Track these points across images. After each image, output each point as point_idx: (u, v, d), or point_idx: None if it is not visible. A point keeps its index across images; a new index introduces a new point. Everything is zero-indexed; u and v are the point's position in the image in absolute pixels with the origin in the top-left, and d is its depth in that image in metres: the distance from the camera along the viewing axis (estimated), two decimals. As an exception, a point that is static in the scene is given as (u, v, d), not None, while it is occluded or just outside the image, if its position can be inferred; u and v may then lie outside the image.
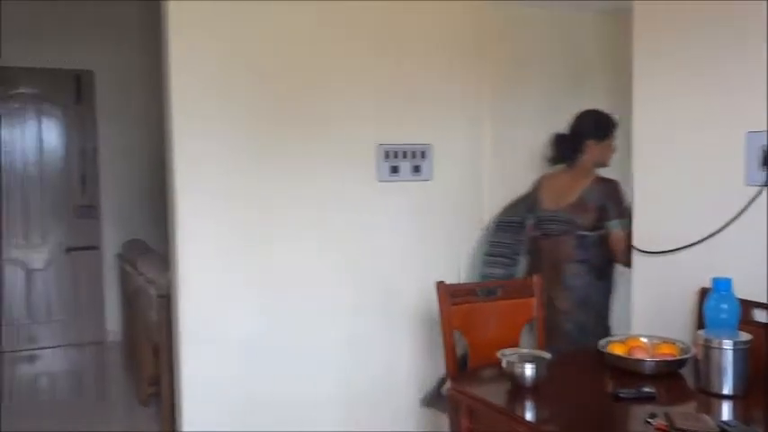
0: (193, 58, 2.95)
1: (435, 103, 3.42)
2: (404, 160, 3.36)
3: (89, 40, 5.78)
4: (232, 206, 3.06)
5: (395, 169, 3.34)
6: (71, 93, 5.92)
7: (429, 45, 3.38)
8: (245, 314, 3.10)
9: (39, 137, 5.86)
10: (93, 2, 5.72)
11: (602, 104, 3.58)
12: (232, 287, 3.07)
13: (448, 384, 2.46)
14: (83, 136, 5.98)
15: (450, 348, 2.68)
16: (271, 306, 3.16)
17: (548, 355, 2.28)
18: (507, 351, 2.32)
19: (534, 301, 2.83)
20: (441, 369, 2.78)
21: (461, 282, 3.35)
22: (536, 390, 2.16)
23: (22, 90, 5.78)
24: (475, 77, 3.48)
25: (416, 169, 3.38)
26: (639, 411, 1.93)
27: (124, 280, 5.30)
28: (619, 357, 2.29)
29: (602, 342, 2.40)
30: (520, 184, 3.52)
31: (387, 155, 3.32)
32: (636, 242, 2.81)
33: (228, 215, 3.05)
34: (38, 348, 5.84)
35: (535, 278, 2.86)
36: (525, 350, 2.41)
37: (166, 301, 3.44)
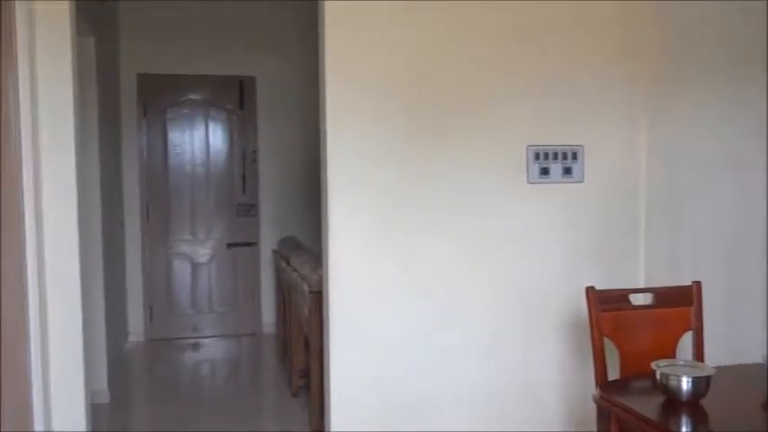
0: (348, 58, 3.04)
1: (587, 102, 3.32)
2: (554, 162, 3.28)
3: (252, 49, 6.11)
4: (382, 206, 3.12)
5: (545, 171, 3.28)
6: (235, 98, 6.30)
7: (581, 43, 3.28)
8: (391, 313, 3.15)
9: (205, 140, 6.28)
10: (256, 10, 6.04)
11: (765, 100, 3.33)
12: (379, 286, 3.13)
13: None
14: (244, 139, 6.34)
15: (599, 356, 2.59)
16: (416, 306, 3.19)
17: (709, 369, 2.15)
18: (662, 362, 2.21)
19: (693, 310, 2.68)
20: (588, 377, 2.69)
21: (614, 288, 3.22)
22: (693, 405, 2.04)
23: (191, 96, 6.22)
24: (629, 75, 3.34)
25: (567, 171, 3.29)
26: (811, 435, 1.78)
27: (279, 275, 5.56)
28: (788, 375, 2.12)
29: (766, 357, 2.23)
30: (680, 186, 3.34)
31: (537, 156, 3.26)
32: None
33: (378, 215, 3.12)
34: (200, 337, 6.24)
35: (695, 285, 2.70)
36: (682, 362, 2.29)
37: (318, 297, 3.56)
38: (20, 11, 2.79)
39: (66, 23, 3.00)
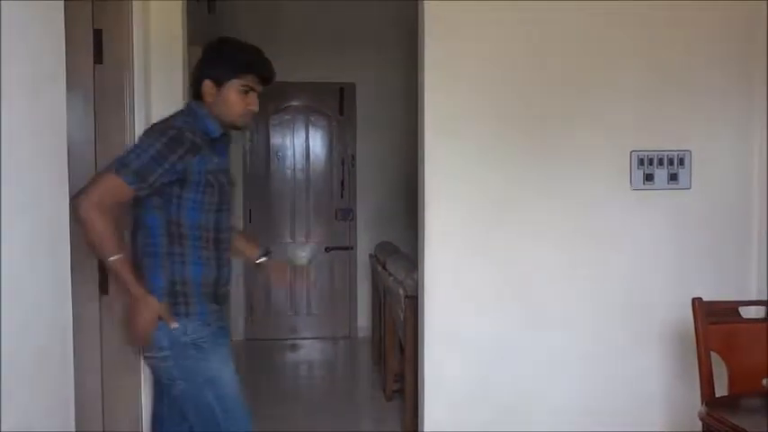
0: (447, 60, 3.05)
1: (695, 106, 3.19)
2: (659, 168, 3.17)
3: (352, 56, 6.21)
4: (479, 211, 3.11)
5: (649, 177, 3.17)
6: (335, 104, 6.42)
7: (689, 44, 3.16)
8: (487, 318, 3.12)
9: (306, 145, 6.42)
10: (356, 17, 6.14)
11: None
12: (476, 290, 3.11)
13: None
14: (343, 144, 6.45)
15: (705, 371, 2.48)
16: (513, 312, 3.15)
17: (826, 388, 2.02)
18: (775, 379, 2.09)
19: (810, 327, 2.52)
20: (694, 391, 2.58)
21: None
22: (809, 425, 1.92)
23: (292, 103, 6.38)
24: (742, 76, 3.18)
25: (673, 177, 3.17)
26: None
27: (375, 279, 5.61)
28: None
29: None
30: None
31: (641, 162, 3.16)
32: None
33: (475, 220, 3.10)
34: (298, 338, 6.38)
35: (812, 300, 2.55)
36: (797, 380, 2.16)
37: (413, 302, 3.57)
38: (136, 15, 2.90)
39: (179, 33, 3.13)
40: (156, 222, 2.25)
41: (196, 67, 2.39)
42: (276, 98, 6.32)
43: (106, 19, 2.66)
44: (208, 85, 2.31)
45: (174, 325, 2.22)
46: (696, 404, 2.45)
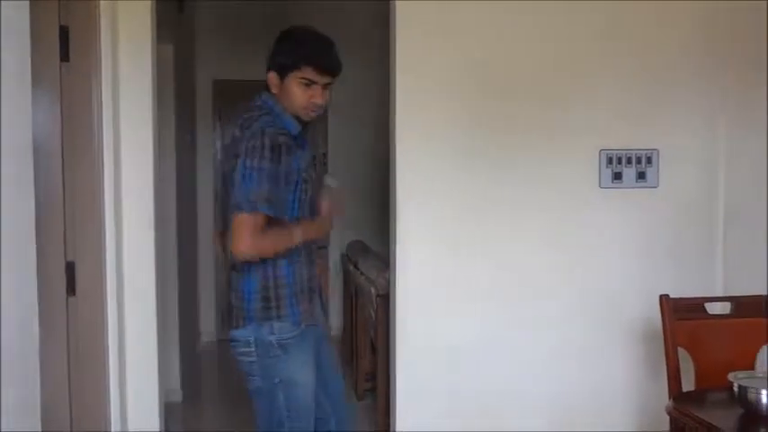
0: (419, 59, 3.06)
1: (663, 106, 3.23)
2: (628, 166, 3.21)
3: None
4: (450, 209, 3.12)
5: (618, 176, 3.21)
6: (305, 103, 6.38)
7: (658, 45, 3.21)
8: (458, 316, 3.14)
9: (276, 143, 6.38)
10: (324, 16, 6.11)
11: None
12: (446, 289, 3.13)
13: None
14: (314, 142, 6.42)
15: (672, 366, 2.52)
16: (484, 311, 3.17)
17: (789, 382, 2.07)
18: (740, 374, 2.14)
19: (774, 322, 2.58)
20: (661, 386, 2.62)
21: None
22: (773, 419, 1.96)
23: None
24: (708, 78, 3.24)
25: (641, 176, 3.21)
26: None
27: (346, 279, 5.60)
28: None
29: None
30: (761, 191, 3.22)
31: (609, 161, 3.19)
32: None
33: (446, 218, 3.12)
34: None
35: (776, 296, 2.60)
36: (761, 374, 2.20)
37: (385, 301, 3.58)
38: (104, 16, 2.87)
39: (148, 28, 3.09)
40: None
41: (267, 56, 2.37)
42: (247, 97, 6.27)
43: (73, 16, 2.63)
44: (272, 76, 2.29)
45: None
46: (664, 399, 2.49)
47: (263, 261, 2.22)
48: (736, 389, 2.04)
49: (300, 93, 2.25)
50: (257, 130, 2.19)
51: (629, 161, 3.20)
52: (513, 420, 3.17)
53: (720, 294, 3.14)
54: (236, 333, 2.28)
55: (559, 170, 3.19)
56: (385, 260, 3.79)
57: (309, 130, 2.41)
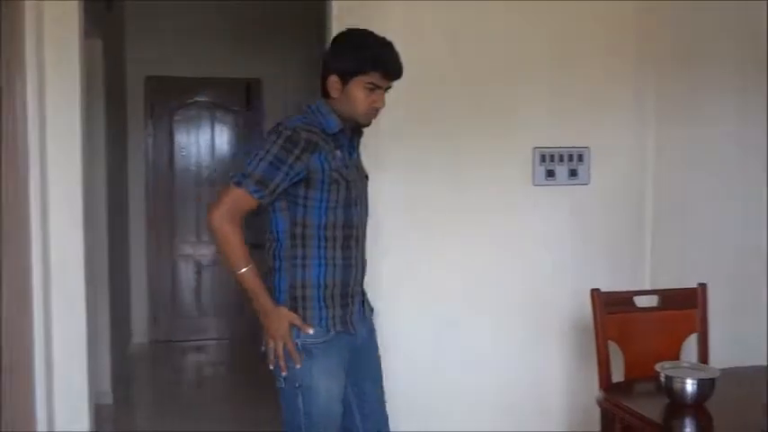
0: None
1: (594, 104, 3.31)
2: (560, 164, 3.27)
3: (258, 51, 6.11)
4: (389, 207, 3.11)
5: (551, 173, 3.27)
6: (242, 100, 6.31)
7: (589, 44, 3.28)
8: (399, 318, 3.13)
9: (211, 142, 6.29)
10: (262, 12, 6.05)
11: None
12: (388, 287, 3.11)
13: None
14: (251, 141, 6.34)
15: (603, 358, 2.59)
16: (424, 308, 3.18)
17: (713, 371, 2.15)
18: (666, 364, 2.21)
19: (698, 313, 2.67)
20: (593, 379, 2.68)
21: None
22: (698, 407, 2.04)
23: (197, 98, 6.24)
24: (638, 76, 3.33)
25: (573, 173, 3.28)
26: (816, 437, 1.77)
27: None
28: (794, 378, 2.11)
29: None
30: (688, 187, 3.34)
31: (543, 158, 3.25)
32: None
33: (385, 216, 3.11)
34: (205, 339, 6.23)
35: (700, 288, 2.70)
36: (686, 364, 2.28)
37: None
38: (29, 13, 2.80)
39: (75, 26, 3.00)
40: (281, 226, 2.22)
41: (322, 60, 2.27)
42: (180, 94, 6.17)
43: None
44: (333, 80, 2.20)
45: (309, 331, 2.16)
46: (595, 390, 2.56)
47: (294, 258, 2.19)
48: (662, 379, 2.11)
49: (363, 97, 2.19)
50: (287, 123, 2.17)
51: (561, 159, 3.27)
52: (454, 415, 3.20)
53: (648, 288, 3.24)
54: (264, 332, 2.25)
55: (495, 169, 3.23)
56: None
57: (356, 136, 2.34)
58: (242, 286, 2.21)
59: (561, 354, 3.32)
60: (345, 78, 2.18)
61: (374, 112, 2.24)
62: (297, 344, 2.16)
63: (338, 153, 2.20)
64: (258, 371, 5.76)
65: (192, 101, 6.23)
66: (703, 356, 2.66)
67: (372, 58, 2.18)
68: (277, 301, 2.20)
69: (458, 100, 3.17)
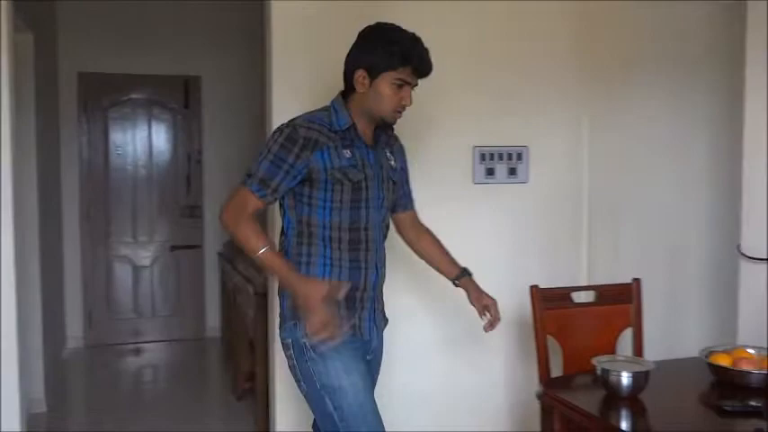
0: (293, 60, 3.01)
1: (532, 104, 3.36)
2: (500, 162, 3.32)
3: (197, 47, 6.01)
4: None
5: (490, 171, 3.31)
6: (180, 97, 6.19)
7: (527, 44, 3.33)
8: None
9: (149, 140, 6.15)
10: (200, 9, 5.95)
11: (711, 101, 3.45)
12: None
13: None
14: (189, 139, 6.24)
15: (542, 353, 2.63)
16: (363, 306, 3.18)
17: (648, 364, 2.20)
18: (603, 358, 2.26)
19: (632, 307, 2.74)
20: (533, 374, 2.73)
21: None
22: (633, 399, 2.09)
23: (133, 95, 6.09)
24: (573, 77, 3.40)
25: (512, 172, 3.33)
26: (744, 426, 1.83)
27: (224, 278, 5.48)
28: (723, 368, 2.18)
29: (703, 351, 2.30)
30: (622, 185, 3.43)
31: (482, 157, 3.29)
32: (744, 248, 2.67)
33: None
34: (142, 342, 6.10)
35: (634, 283, 2.77)
36: (622, 357, 2.33)
37: (262, 299, 3.53)
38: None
39: (3, 18, 2.90)
40: (288, 223, 2.19)
41: (348, 54, 2.20)
42: (115, 90, 6.02)
43: None
44: (360, 75, 2.13)
45: (344, 290, 2.10)
46: (535, 385, 2.60)
47: (299, 256, 2.15)
48: (599, 372, 2.15)
49: (392, 94, 2.13)
50: (289, 121, 2.14)
51: (500, 158, 3.31)
52: (394, 414, 3.20)
53: (585, 284, 3.31)
54: (280, 333, 2.22)
55: (436, 167, 3.24)
56: (263, 258, 3.73)
57: (384, 134, 2.28)
58: (266, 269, 2.21)
59: (501, 350, 3.36)
60: (373, 74, 2.13)
61: (401, 109, 2.19)
62: (305, 344, 2.10)
63: (346, 152, 2.13)
64: (199, 372, 5.68)
65: (127, 98, 6.07)
66: (638, 350, 2.73)
67: (403, 53, 2.12)
68: (282, 298, 2.18)
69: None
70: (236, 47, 6.01)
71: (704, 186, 3.58)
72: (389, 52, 2.11)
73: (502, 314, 2.48)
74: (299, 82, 3.02)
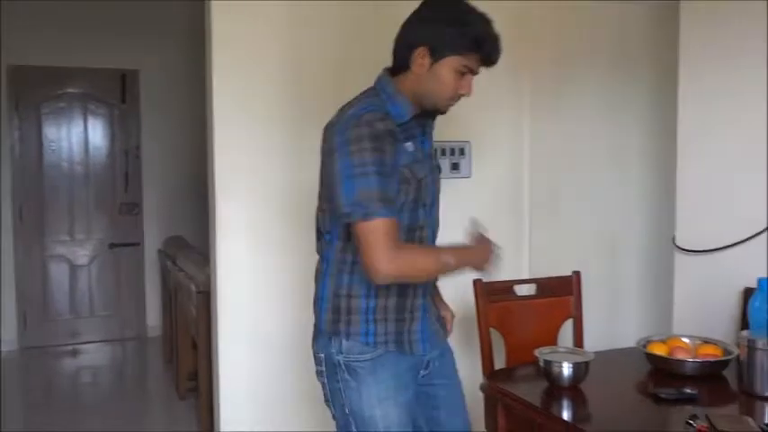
0: (235, 57, 2.97)
1: (474, 100, 3.36)
2: (442, 158, 3.34)
3: (135, 40, 5.87)
4: (270, 204, 3.07)
5: (434, 167, 3.32)
6: (117, 92, 6.04)
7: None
8: (278, 312, 3.10)
9: (84, 135, 5.99)
10: (138, 2, 5.82)
11: (647, 100, 3.54)
12: (267, 284, 3.08)
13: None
14: (127, 134, 6.10)
15: (486, 346, 2.67)
16: (305, 304, 3.16)
17: (587, 354, 2.25)
18: (544, 350, 2.30)
19: (573, 299, 2.80)
20: (476, 367, 2.76)
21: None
22: (574, 389, 2.13)
23: (68, 89, 5.92)
24: (516, 73, 3.44)
25: (455, 166, 3.36)
26: (680, 413, 1.89)
27: (165, 276, 5.39)
28: (660, 357, 2.25)
29: (640, 341, 2.36)
30: (563, 180, 3.51)
31: (425, 152, 3.29)
32: (678, 240, 2.76)
33: (266, 213, 3.07)
34: (80, 343, 5.95)
35: (574, 276, 2.82)
36: (563, 348, 2.38)
37: (205, 297, 3.48)
38: None
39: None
40: (333, 225, 1.89)
41: (407, 25, 1.88)
42: (49, 84, 5.84)
43: None
44: (422, 53, 1.81)
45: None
46: (479, 377, 2.63)
47: (342, 263, 1.87)
48: (541, 363, 2.19)
49: (452, 81, 1.84)
50: (353, 116, 1.79)
51: (443, 152, 3.34)
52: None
53: (527, 277, 3.36)
54: (312, 345, 1.98)
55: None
56: (205, 255, 3.68)
57: (429, 124, 2.00)
58: (458, 268, 1.90)
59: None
60: (437, 55, 1.82)
61: (457, 99, 1.92)
62: (338, 361, 1.86)
63: (409, 144, 1.85)
64: (140, 372, 5.57)
65: (62, 92, 5.90)
66: (579, 340, 2.79)
67: (476, 38, 1.82)
68: (320, 311, 1.92)
69: (340, 93, 3.15)
70: (177, 42, 5.89)
71: (642, 181, 3.68)
72: (461, 34, 1.81)
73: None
74: (240, 75, 2.98)
